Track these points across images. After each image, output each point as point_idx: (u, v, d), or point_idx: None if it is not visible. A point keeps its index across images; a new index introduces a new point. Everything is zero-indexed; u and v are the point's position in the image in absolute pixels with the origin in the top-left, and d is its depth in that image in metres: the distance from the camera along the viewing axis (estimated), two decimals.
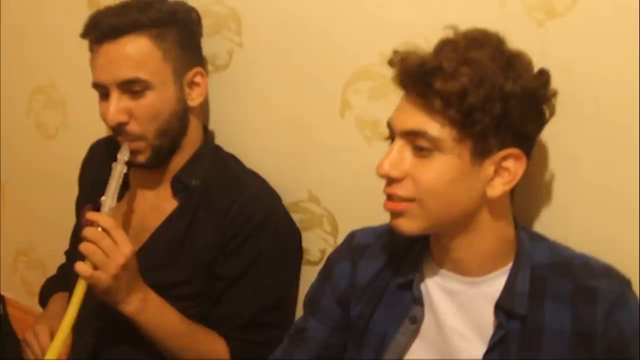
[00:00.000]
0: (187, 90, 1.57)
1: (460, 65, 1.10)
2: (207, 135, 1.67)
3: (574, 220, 1.32)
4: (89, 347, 1.57)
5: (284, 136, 1.68)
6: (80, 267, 1.39)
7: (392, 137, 1.20)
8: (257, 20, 1.67)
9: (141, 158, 1.53)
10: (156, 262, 1.55)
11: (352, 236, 1.42)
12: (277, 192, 1.64)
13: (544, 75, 1.19)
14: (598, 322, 1.13)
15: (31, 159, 2.20)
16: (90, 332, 1.57)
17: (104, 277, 1.39)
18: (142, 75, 1.48)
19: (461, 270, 1.23)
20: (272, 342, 1.50)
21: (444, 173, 1.13)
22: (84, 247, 1.40)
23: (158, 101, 1.51)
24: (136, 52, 1.49)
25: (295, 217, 1.66)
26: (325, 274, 1.41)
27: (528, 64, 1.18)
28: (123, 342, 1.55)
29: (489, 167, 1.14)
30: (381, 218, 1.42)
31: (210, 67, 1.72)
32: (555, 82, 1.22)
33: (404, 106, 1.18)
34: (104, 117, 1.51)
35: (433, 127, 1.12)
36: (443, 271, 1.25)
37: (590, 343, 1.13)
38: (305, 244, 1.68)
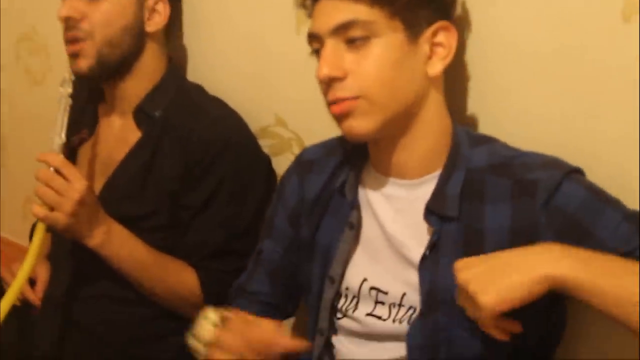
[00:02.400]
0: (146, 13, 1.55)
1: None
2: (172, 66, 1.64)
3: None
4: (65, 283, 1.58)
5: (246, 61, 1.64)
6: (36, 209, 1.39)
7: (316, 50, 1.18)
8: None
9: (82, 63, 1.51)
10: (121, 194, 1.54)
11: (301, 153, 1.40)
12: (244, 119, 1.60)
13: None
14: (538, 213, 1.08)
15: (23, 106, 2.23)
16: (66, 268, 1.58)
17: (60, 217, 1.38)
18: None
19: (399, 172, 1.20)
20: (241, 270, 1.48)
21: (384, 57, 1.12)
22: (37, 189, 1.39)
23: (113, 10, 1.51)
24: None
25: (266, 142, 1.63)
26: (278, 193, 1.39)
27: None
28: (98, 277, 1.55)
29: (424, 46, 1.14)
30: None
31: None
32: None
33: (322, 8, 1.16)
34: (57, 15, 1.51)
35: (361, 12, 1.11)
36: (382, 176, 1.22)
37: (533, 237, 1.07)
38: (277, 169, 1.64)
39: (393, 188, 1.21)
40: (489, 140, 1.21)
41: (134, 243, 1.50)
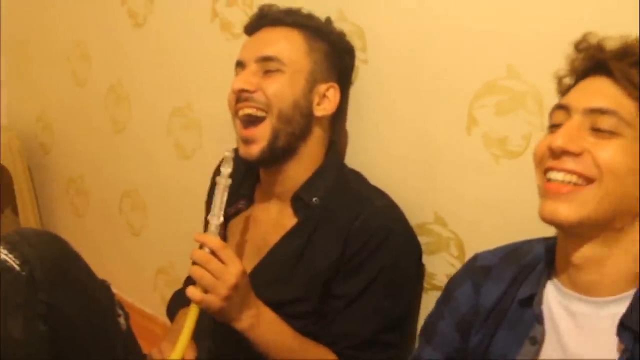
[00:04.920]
0: (315, 98, 1.58)
1: None
2: (333, 152, 1.65)
3: None
4: None
5: (409, 154, 1.62)
6: (191, 291, 1.39)
7: (553, 125, 1.15)
8: (381, 36, 1.64)
9: (255, 149, 1.53)
10: (272, 278, 1.54)
11: (474, 258, 1.34)
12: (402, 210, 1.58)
13: None
14: None
15: (170, 179, 2.27)
16: (205, 350, 1.58)
17: (215, 300, 1.38)
18: (281, 55, 1.55)
19: (590, 290, 1.13)
20: None
21: (624, 156, 1.08)
22: (193, 271, 1.39)
23: (287, 85, 1.54)
24: (285, 38, 1.58)
25: (421, 240, 1.60)
26: (445, 298, 1.33)
27: None
28: (240, 354, 1.52)
29: None
30: (510, 241, 1.34)
31: None
32: None
33: (592, 87, 1.14)
34: (232, 88, 1.55)
35: (625, 107, 1.09)
36: (568, 291, 1.16)
37: None
38: (431, 268, 1.61)
39: (579, 305, 1.14)
40: None
41: (280, 327, 1.48)
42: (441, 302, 1.34)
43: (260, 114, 1.53)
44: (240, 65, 1.59)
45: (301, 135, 1.57)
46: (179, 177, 2.23)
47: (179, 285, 2.23)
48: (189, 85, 2.14)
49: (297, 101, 1.55)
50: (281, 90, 1.53)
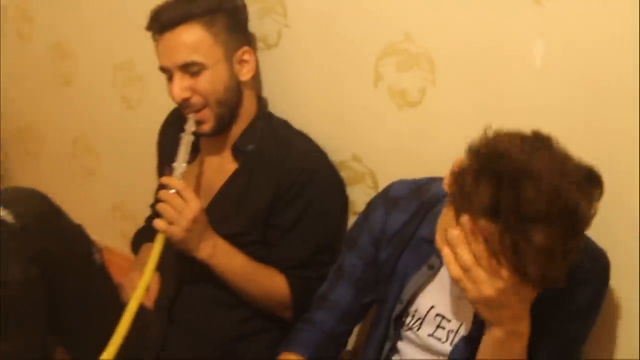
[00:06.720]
0: (237, 67, 1.81)
1: None
2: (261, 105, 1.91)
3: None
4: (172, 288, 1.86)
5: (327, 105, 1.90)
6: (157, 223, 1.67)
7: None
8: (300, 3, 1.89)
9: (206, 127, 1.79)
10: (220, 216, 1.80)
11: (389, 187, 1.59)
12: (325, 152, 1.87)
13: None
14: None
15: (118, 126, 2.51)
16: (172, 276, 1.85)
17: (177, 230, 1.66)
18: (197, 58, 1.74)
19: None
20: (325, 277, 1.71)
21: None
22: (159, 206, 1.67)
23: (213, 78, 1.76)
24: (191, 38, 1.74)
25: (342, 174, 1.90)
26: (364, 216, 1.59)
27: None
28: (199, 285, 1.83)
29: None
30: (415, 173, 1.63)
31: (262, 46, 1.96)
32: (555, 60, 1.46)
33: None
34: (171, 96, 1.78)
35: None
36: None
37: None
38: (352, 197, 1.91)
39: None
40: None
41: (235, 254, 1.77)
42: (362, 220, 1.60)
43: (203, 115, 1.78)
44: (166, 71, 1.78)
45: (238, 103, 1.83)
46: (126, 125, 2.46)
47: (134, 220, 2.45)
48: (131, 42, 2.32)
49: (227, 84, 1.78)
50: (211, 86, 1.76)
